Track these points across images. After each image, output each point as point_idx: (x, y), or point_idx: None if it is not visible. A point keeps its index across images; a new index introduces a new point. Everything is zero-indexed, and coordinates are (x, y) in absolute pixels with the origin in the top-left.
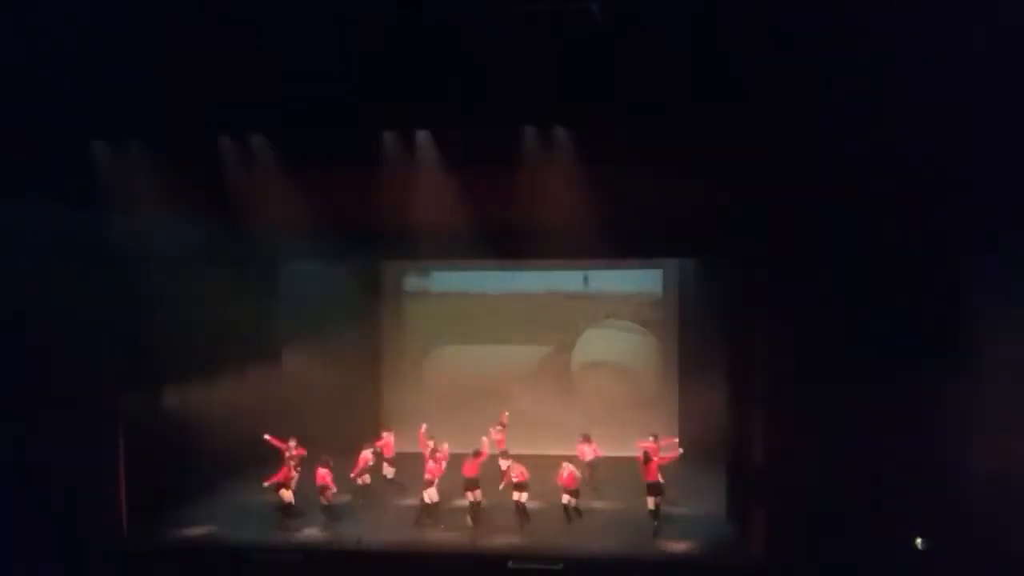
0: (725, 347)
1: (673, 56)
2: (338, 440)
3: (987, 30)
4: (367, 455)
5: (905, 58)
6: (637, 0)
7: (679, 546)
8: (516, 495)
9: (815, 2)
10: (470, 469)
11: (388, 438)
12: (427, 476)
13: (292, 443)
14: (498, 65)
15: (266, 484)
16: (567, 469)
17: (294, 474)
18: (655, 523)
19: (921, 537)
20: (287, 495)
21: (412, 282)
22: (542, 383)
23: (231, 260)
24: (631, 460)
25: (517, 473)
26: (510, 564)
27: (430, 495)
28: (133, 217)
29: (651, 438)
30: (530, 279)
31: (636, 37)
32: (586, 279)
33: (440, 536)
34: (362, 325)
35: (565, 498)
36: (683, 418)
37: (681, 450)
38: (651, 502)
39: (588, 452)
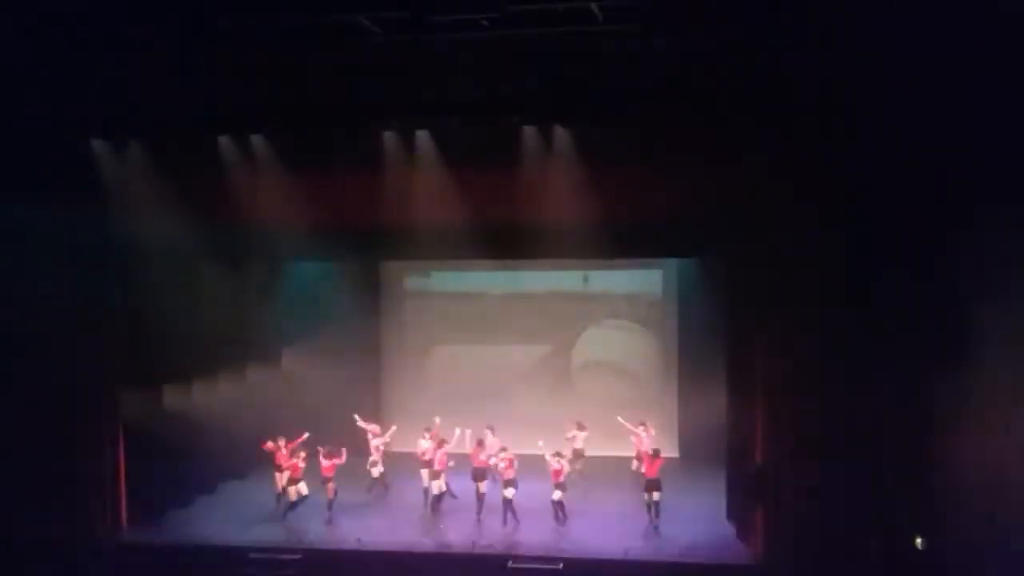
0: (725, 347)
1: (674, 56)
2: (338, 440)
3: (988, 26)
4: (376, 444)
5: (905, 57)
6: (637, 1)
7: (679, 546)
8: (504, 491)
9: (815, 4)
10: (477, 460)
11: (374, 430)
12: (436, 467)
13: (281, 442)
14: (498, 65)
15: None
16: (555, 463)
17: (303, 464)
18: (655, 518)
19: (921, 537)
20: (294, 492)
21: (412, 282)
22: (542, 383)
23: (231, 260)
24: (631, 460)
25: (506, 465)
26: (510, 564)
27: (439, 486)
28: (133, 217)
29: (641, 426)
30: (530, 279)
31: (636, 38)
32: (586, 279)
33: (440, 536)
34: (362, 325)
35: (556, 494)
36: (683, 418)
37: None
38: (651, 497)
39: (579, 439)
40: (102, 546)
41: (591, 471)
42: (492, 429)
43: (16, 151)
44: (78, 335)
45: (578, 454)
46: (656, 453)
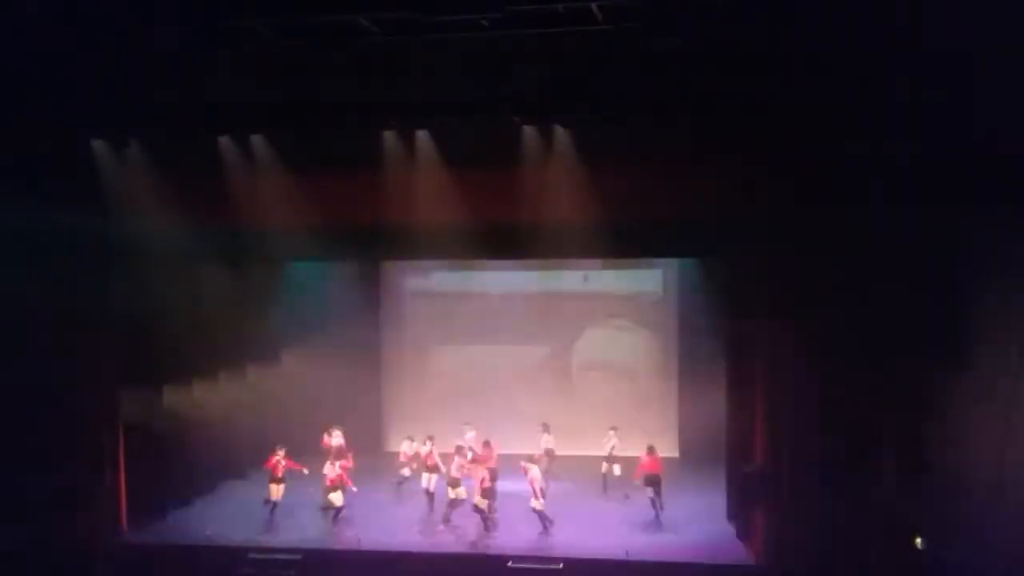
0: (725, 347)
1: (673, 57)
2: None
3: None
4: (405, 449)
5: (905, 57)
6: (637, 1)
7: (679, 546)
8: (480, 501)
9: (814, 4)
10: (488, 460)
11: (337, 438)
12: (456, 474)
13: (281, 453)
14: (498, 65)
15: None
16: (528, 472)
17: (338, 472)
18: (657, 512)
19: (921, 537)
20: (331, 501)
21: (412, 282)
22: (542, 383)
23: (231, 260)
24: (631, 460)
25: (480, 478)
26: (510, 564)
27: (458, 492)
28: (133, 217)
29: (612, 431)
30: (530, 279)
31: (636, 38)
32: (586, 279)
33: (440, 536)
34: (362, 325)
35: (533, 503)
36: (683, 418)
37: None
38: (651, 492)
39: (548, 441)
40: (102, 546)
41: (593, 471)
42: (467, 424)
43: (16, 151)
44: (78, 335)
45: (549, 454)
46: (651, 449)
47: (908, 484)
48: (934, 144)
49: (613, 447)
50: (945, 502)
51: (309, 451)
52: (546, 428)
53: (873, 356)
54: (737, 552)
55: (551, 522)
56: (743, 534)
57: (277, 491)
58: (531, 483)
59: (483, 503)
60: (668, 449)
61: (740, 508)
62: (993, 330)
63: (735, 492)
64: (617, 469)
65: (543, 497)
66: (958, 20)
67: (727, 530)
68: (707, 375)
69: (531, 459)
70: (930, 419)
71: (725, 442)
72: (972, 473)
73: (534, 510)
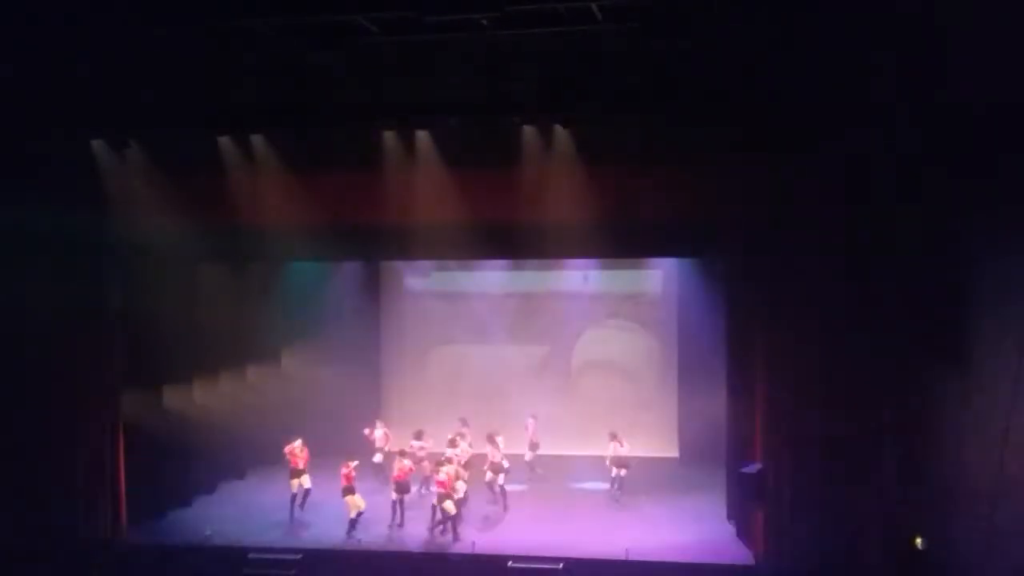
0: (725, 347)
1: (673, 57)
2: (337, 440)
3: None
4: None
5: (904, 56)
6: (638, 1)
7: (679, 546)
8: (395, 495)
9: (814, 4)
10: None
11: (298, 447)
12: (498, 460)
13: (352, 464)
14: (498, 65)
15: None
16: (398, 464)
17: (455, 479)
18: (615, 491)
19: (921, 537)
20: (451, 508)
21: (412, 282)
22: (542, 383)
23: (231, 260)
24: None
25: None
26: (510, 564)
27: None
28: (133, 217)
29: (531, 419)
30: (530, 279)
31: (636, 38)
32: (586, 279)
33: (440, 536)
34: (362, 325)
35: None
36: (683, 418)
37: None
38: (618, 472)
39: (468, 434)
40: (102, 546)
41: (593, 472)
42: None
43: (16, 151)
44: (78, 335)
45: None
46: (614, 435)
47: (908, 484)
48: (935, 144)
49: (532, 434)
50: (945, 502)
51: (312, 451)
52: (464, 423)
53: (873, 356)
54: (737, 552)
55: (402, 517)
56: (743, 534)
57: (357, 502)
58: (442, 483)
59: (395, 496)
60: (668, 449)
61: (740, 508)
62: (993, 330)
63: (735, 492)
64: (528, 455)
65: (405, 492)
66: (955, 21)
67: (727, 530)
68: (707, 375)
69: (448, 460)
70: (930, 419)
71: (725, 442)
72: (972, 473)
73: (443, 510)
